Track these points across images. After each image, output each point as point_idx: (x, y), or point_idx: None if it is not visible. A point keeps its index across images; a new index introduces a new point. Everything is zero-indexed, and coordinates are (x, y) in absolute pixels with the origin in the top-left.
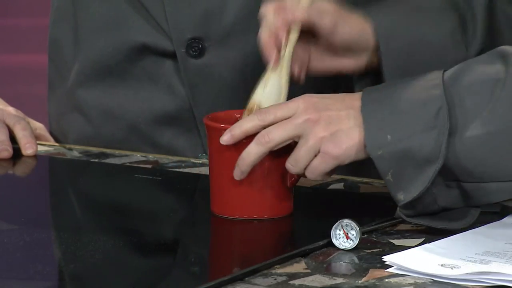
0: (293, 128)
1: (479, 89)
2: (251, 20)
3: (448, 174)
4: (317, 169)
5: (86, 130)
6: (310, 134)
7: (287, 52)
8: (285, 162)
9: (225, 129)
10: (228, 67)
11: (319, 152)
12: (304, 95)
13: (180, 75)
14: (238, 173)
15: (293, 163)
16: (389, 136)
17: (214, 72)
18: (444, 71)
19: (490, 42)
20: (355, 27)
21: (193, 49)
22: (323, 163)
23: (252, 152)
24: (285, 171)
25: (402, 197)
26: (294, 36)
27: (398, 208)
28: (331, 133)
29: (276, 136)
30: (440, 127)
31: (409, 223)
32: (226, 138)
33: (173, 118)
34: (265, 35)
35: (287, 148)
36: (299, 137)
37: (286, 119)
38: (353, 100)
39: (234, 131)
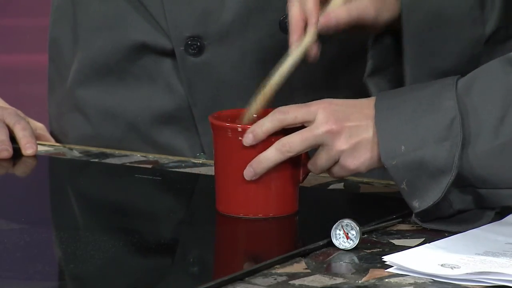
0: (314, 139)
1: (493, 99)
2: (249, 18)
3: (462, 181)
4: (338, 174)
5: (85, 130)
6: (331, 145)
7: (307, 41)
8: (291, 161)
9: (230, 128)
10: (226, 65)
11: (338, 160)
12: (324, 100)
13: (179, 74)
14: (250, 174)
15: (315, 168)
16: (403, 147)
17: (213, 70)
18: (458, 79)
19: (506, 23)
20: (391, 8)
21: (192, 47)
22: (343, 172)
23: (271, 158)
24: (291, 170)
25: (417, 205)
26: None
27: (413, 214)
28: (351, 146)
29: (297, 146)
30: (453, 138)
31: (410, 223)
32: (249, 140)
33: (171, 117)
34: (296, 12)
35: None
36: (319, 146)
37: (306, 122)
38: (369, 108)
39: (256, 131)
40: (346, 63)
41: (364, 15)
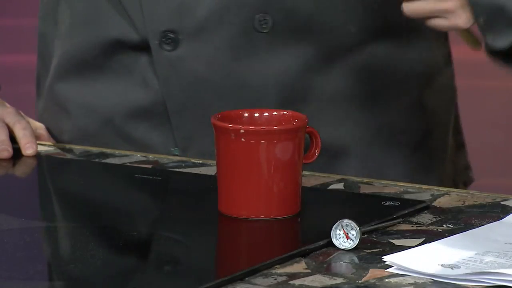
0: None
1: None
2: (224, 15)
3: None
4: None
5: (65, 124)
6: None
7: None
8: (291, 162)
9: (233, 129)
10: (200, 61)
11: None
12: None
13: (154, 69)
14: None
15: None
16: None
17: (187, 65)
18: None
19: None
20: None
21: (167, 42)
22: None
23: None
24: (293, 172)
25: (490, 41)
26: None
27: (484, 45)
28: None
29: None
30: None
31: (410, 223)
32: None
33: (146, 112)
34: None
35: (296, 149)
36: None
37: None
38: None
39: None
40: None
41: None
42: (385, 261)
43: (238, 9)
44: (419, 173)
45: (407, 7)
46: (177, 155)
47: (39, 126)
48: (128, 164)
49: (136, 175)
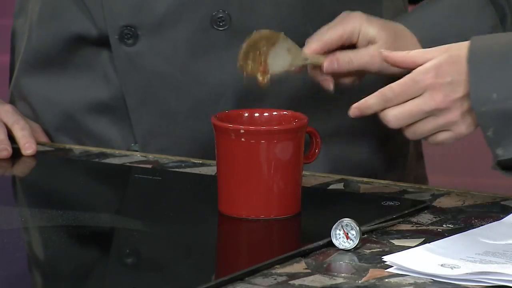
0: (422, 115)
1: None
2: (182, 12)
3: None
4: (442, 140)
5: (30, 118)
6: (440, 118)
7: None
8: (291, 162)
9: (233, 129)
10: (159, 56)
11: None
12: (429, 70)
13: (114, 64)
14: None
15: (413, 136)
16: (495, 94)
17: (145, 61)
18: None
19: None
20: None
21: (126, 37)
22: (453, 138)
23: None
24: (294, 172)
25: (501, 152)
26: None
27: (493, 162)
28: (462, 115)
29: (404, 119)
30: None
31: (410, 223)
32: (356, 113)
33: (107, 107)
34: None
35: (296, 149)
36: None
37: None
38: (460, 49)
39: (361, 107)
40: None
41: (365, 67)
42: (385, 261)
43: (196, 5)
44: (377, 177)
45: (408, 133)
46: (136, 151)
47: (35, 126)
48: (128, 164)
49: (136, 175)
